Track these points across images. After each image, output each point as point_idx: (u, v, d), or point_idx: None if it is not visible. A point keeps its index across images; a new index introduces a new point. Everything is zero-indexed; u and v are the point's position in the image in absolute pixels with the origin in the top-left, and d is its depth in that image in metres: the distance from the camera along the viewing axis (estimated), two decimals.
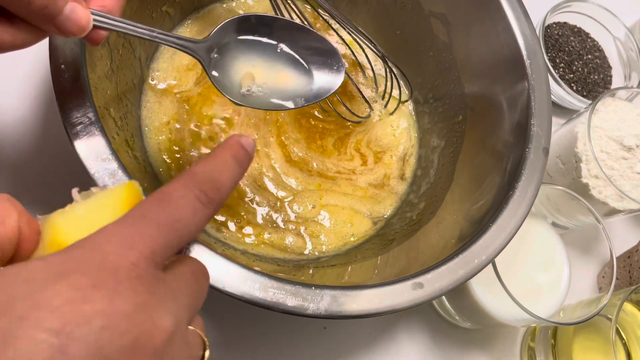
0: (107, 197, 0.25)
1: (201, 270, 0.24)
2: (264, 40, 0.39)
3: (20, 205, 0.22)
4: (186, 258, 0.25)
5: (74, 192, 0.25)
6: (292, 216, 0.49)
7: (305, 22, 0.50)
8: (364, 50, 0.56)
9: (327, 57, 0.40)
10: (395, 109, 0.57)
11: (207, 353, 0.23)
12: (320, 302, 0.33)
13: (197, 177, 0.24)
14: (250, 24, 0.38)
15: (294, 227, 0.49)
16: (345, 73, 0.53)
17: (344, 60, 0.41)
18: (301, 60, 0.39)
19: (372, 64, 0.57)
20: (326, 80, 0.40)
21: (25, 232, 0.22)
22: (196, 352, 0.23)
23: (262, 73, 0.38)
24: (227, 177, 0.26)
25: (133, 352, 0.18)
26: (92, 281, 0.18)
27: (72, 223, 0.23)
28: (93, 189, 0.25)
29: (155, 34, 0.33)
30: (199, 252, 0.32)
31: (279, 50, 0.39)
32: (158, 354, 0.19)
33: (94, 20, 0.29)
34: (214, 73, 0.37)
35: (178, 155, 0.48)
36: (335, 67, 0.40)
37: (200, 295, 0.24)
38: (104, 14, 0.30)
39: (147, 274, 0.20)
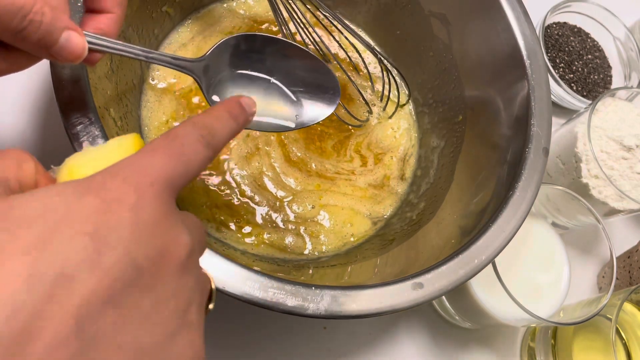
0: (117, 142, 0.27)
1: (200, 221, 0.26)
2: (258, 74, 0.38)
3: (35, 158, 0.23)
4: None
5: (85, 143, 0.29)
6: (292, 216, 0.49)
7: (305, 22, 0.50)
8: (360, 55, 0.56)
9: (322, 77, 0.39)
10: (393, 113, 0.57)
11: (213, 285, 0.25)
12: (320, 302, 0.33)
13: (196, 124, 0.26)
14: (247, 44, 0.37)
15: (293, 227, 0.49)
16: (347, 75, 0.53)
17: (339, 87, 0.40)
18: (292, 95, 0.39)
19: (372, 66, 0.57)
20: (319, 107, 0.40)
21: (42, 182, 0.23)
22: (207, 286, 0.24)
23: (257, 101, 0.38)
24: (222, 126, 0.28)
25: (159, 261, 0.20)
26: (116, 196, 0.19)
27: (87, 163, 0.25)
28: (100, 141, 0.28)
29: (151, 55, 0.33)
30: None
31: (271, 82, 0.39)
32: (182, 266, 0.21)
33: (90, 43, 0.29)
34: (214, 98, 0.36)
35: None
36: (332, 92, 0.40)
37: (204, 240, 0.25)
38: (100, 37, 0.30)
39: (164, 195, 0.21)
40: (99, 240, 0.18)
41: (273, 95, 0.39)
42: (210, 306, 0.25)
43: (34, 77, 0.50)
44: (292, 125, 0.39)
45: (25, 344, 0.16)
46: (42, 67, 0.50)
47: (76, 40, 0.28)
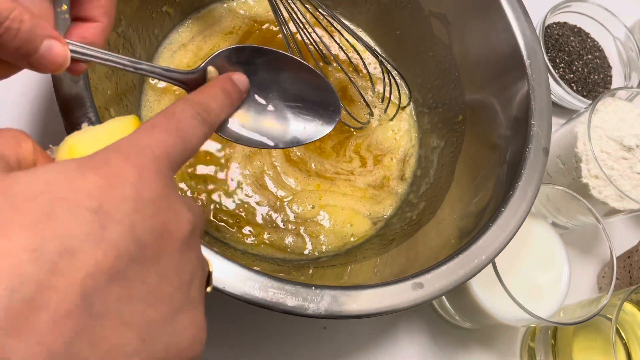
0: (116, 122, 0.27)
1: (199, 204, 0.26)
2: (254, 94, 0.36)
3: (32, 138, 0.23)
4: None
5: (84, 124, 0.29)
6: (292, 216, 0.49)
7: (305, 22, 0.50)
8: (360, 56, 0.56)
9: (322, 93, 0.37)
10: (394, 115, 0.57)
11: (211, 268, 0.25)
12: (320, 302, 0.33)
13: (191, 101, 0.26)
14: (242, 56, 0.35)
15: (293, 227, 0.49)
16: (348, 76, 0.53)
17: (340, 105, 0.37)
18: (288, 111, 0.37)
19: (372, 66, 0.57)
20: (316, 124, 0.37)
21: (40, 162, 0.23)
22: (207, 267, 0.24)
23: (250, 117, 0.35)
24: (216, 104, 0.28)
25: (163, 236, 0.20)
26: (118, 172, 0.19)
27: (87, 142, 0.25)
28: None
29: (140, 66, 0.31)
30: None
31: (268, 96, 0.36)
32: (185, 242, 0.21)
33: (74, 52, 0.28)
34: None
35: None
36: (331, 109, 0.37)
37: (203, 220, 0.25)
38: (85, 46, 0.29)
39: (165, 171, 0.21)
40: (103, 215, 0.18)
41: (267, 111, 0.36)
42: (208, 289, 0.25)
43: (34, 77, 0.50)
44: (285, 143, 0.36)
45: (31, 316, 0.16)
46: None
47: (57, 49, 0.27)
